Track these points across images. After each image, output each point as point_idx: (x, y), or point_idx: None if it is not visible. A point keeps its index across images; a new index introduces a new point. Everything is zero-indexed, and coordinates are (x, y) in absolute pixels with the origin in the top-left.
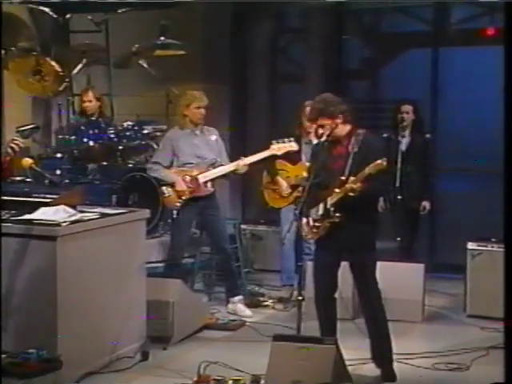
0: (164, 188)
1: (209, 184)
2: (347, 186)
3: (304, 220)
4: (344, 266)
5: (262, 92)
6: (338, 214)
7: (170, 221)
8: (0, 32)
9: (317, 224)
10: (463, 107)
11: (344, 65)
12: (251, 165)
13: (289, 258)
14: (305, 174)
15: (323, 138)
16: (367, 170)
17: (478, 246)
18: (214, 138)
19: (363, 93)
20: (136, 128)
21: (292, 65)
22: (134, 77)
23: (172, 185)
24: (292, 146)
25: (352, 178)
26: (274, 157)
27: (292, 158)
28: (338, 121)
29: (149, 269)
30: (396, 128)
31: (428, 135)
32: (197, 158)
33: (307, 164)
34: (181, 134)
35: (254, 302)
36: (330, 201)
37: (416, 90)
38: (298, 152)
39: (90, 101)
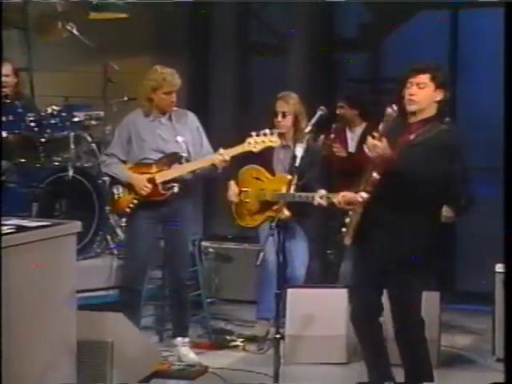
0: (114, 187)
1: (175, 187)
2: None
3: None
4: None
5: (228, 67)
6: (361, 200)
7: (109, 237)
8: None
9: (345, 220)
10: (491, 87)
11: (337, 33)
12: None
13: (270, 285)
14: (284, 190)
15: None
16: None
17: None
18: (188, 125)
19: (362, 69)
20: (64, 114)
21: (268, 33)
22: (61, 46)
23: (127, 186)
24: (273, 140)
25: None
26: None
27: (265, 163)
28: (437, 95)
29: (81, 299)
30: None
31: (447, 118)
32: (160, 152)
33: (289, 177)
34: (143, 121)
35: (218, 342)
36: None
37: None
38: (270, 157)
39: (7, 75)
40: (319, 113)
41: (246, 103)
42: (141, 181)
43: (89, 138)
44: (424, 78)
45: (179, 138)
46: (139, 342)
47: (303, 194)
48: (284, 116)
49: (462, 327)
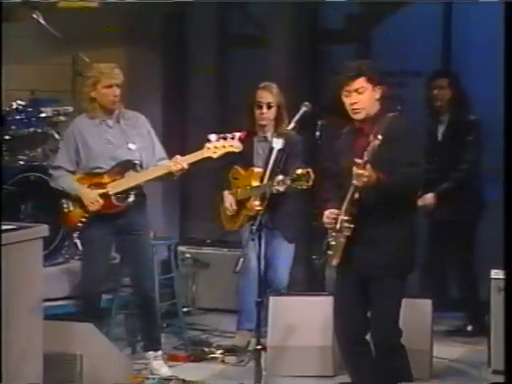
0: (64, 200)
1: (131, 196)
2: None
3: (328, 210)
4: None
5: (208, 60)
6: (347, 225)
7: (78, 242)
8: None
9: (331, 243)
10: (490, 82)
11: (322, 23)
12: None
13: (251, 293)
14: (255, 184)
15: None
16: (365, 157)
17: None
18: (138, 128)
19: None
20: (30, 110)
21: (250, 23)
22: (27, 37)
23: (77, 200)
24: (233, 145)
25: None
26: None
27: (246, 160)
28: (377, 93)
29: (48, 308)
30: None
31: (473, 116)
32: (110, 160)
33: (258, 170)
34: (89, 126)
35: (196, 354)
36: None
37: (422, 59)
38: (251, 153)
39: None
40: (303, 109)
41: (226, 98)
42: (91, 196)
43: (56, 136)
44: (361, 82)
45: (131, 145)
46: (110, 355)
47: (269, 183)
48: (269, 107)
49: (456, 337)
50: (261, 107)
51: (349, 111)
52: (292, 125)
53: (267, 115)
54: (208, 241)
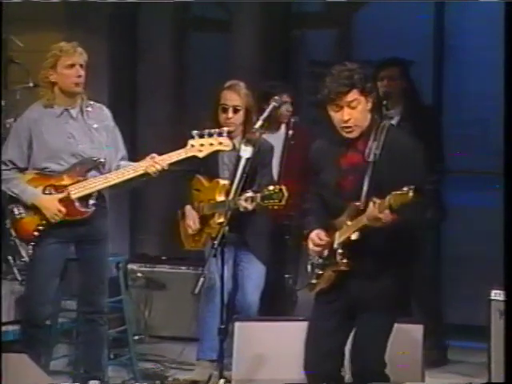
0: (14, 206)
1: (91, 201)
2: (366, 215)
3: (314, 232)
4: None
5: (162, 47)
6: (345, 261)
7: (10, 258)
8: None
9: (318, 271)
10: (484, 76)
11: (296, 6)
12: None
13: (214, 318)
14: (220, 199)
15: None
16: (387, 201)
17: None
18: (104, 121)
19: (326, 50)
20: None
21: (212, 5)
22: None
23: (33, 206)
24: (223, 143)
25: (371, 206)
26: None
27: (209, 170)
28: (369, 104)
29: None
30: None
31: (428, 108)
32: (71, 156)
33: (223, 182)
34: (46, 115)
35: None
36: (339, 238)
37: (411, 47)
38: (215, 162)
39: None
40: (273, 104)
41: (185, 92)
42: (51, 203)
43: None
44: (354, 95)
45: (96, 141)
46: None
47: (235, 198)
48: (236, 111)
49: (451, 366)
50: (226, 111)
51: (338, 128)
52: (260, 122)
53: (234, 120)
54: (163, 257)
